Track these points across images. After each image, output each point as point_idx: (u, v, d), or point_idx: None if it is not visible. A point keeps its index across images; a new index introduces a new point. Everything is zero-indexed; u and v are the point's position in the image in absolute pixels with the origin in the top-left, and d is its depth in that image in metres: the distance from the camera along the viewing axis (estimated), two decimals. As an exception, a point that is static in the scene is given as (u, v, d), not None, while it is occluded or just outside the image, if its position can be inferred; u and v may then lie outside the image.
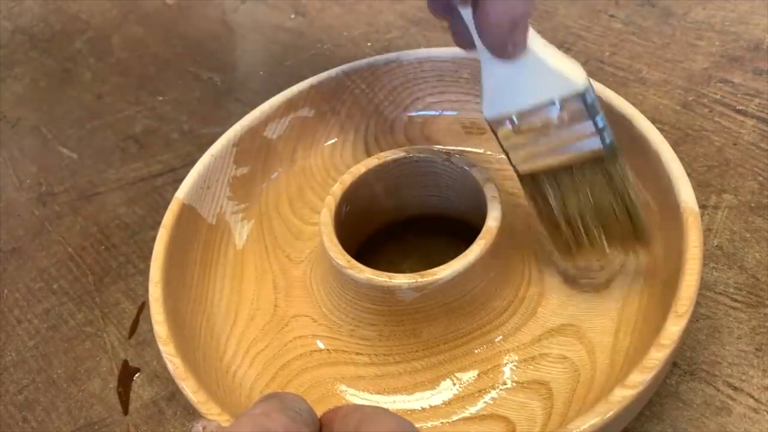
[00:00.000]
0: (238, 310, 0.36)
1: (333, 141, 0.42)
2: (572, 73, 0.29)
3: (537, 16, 0.53)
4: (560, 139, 0.29)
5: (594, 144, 0.29)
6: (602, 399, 0.24)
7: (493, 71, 0.30)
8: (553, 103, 0.29)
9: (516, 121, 0.30)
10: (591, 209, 0.31)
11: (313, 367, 0.33)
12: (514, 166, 0.31)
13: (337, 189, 0.35)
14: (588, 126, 0.29)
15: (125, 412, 0.36)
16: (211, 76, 0.56)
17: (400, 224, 0.39)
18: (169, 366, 0.29)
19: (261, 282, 0.37)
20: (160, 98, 0.55)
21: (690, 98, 0.44)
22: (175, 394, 0.36)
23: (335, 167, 0.41)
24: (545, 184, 0.31)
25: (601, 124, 0.29)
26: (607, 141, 0.29)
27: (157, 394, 0.36)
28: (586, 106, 0.28)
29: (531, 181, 0.31)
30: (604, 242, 0.31)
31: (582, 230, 0.31)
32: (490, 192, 0.32)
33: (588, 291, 0.33)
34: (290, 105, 0.40)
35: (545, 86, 0.29)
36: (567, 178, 0.30)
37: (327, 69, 0.41)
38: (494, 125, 0.31)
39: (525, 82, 0.29)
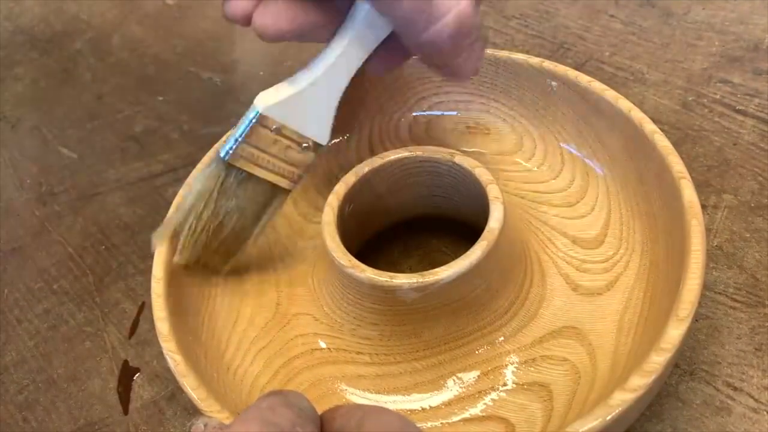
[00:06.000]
0: (240, 308, 0.36)
1: (337, 140, 0.42)
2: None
3: (537, 16, 0.53)
4: (279, 163, 0.31)
5: (286, 184, 0.32)
6: (602, 402, 0.24)
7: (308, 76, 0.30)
8: (307, 145, 0.31)
9: (280, 131, 0.31)
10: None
11: (314, 366, 0.33)
12: (230, 150, 0.31)
13: (340, 188, 0.35)
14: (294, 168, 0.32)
15: (125, 412, 0.36)
16: (211, 76, 0.56)
17: (403, 224, 0.39)
18: (170, 363, 0.29)
19: (263, 280, 0.37)
20: (160, 98, 0.55)
21: (690, 98, 0.44)
22: (175, 394, 0.36)
23: (339, 166, 0.41)
24: (230, 179, 0.31)
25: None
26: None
27: (157, 394, 0.36)
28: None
29: (224, 169, 0.31)
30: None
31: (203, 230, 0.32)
32: (492, 193, 0.32)
33: (590, 293, 0.33)
34: None
35: (312, 124, 0.31)
36: (245, 188, 0.32)
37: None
38: (265, 119, 0.30)
39: (309, 108, 0.31)
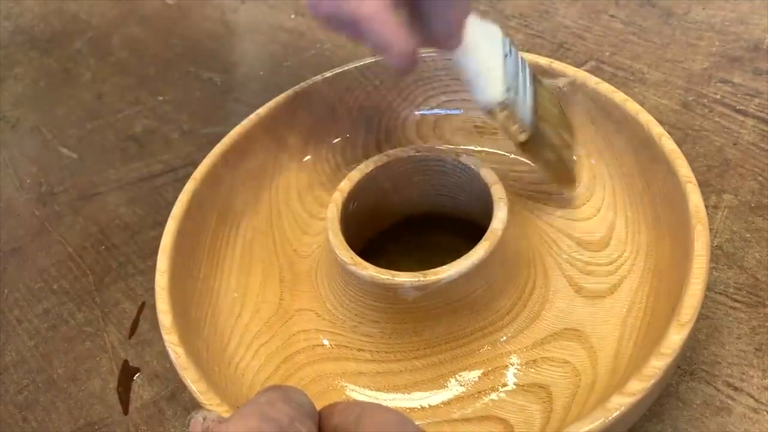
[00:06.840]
0: (244, 302, 0.36)
1: (344, 137, 0.42)
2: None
3: (537, 16, 0.53)
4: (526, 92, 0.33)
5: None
6: (600, 405, 0.24)
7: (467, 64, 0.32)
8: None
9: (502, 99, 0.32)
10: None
11: (316, 362, 0.33)
12: (518, 138, 0.33)
13: (345, 185, 0.35)
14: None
15: (125, 412, 0.36)
16: (211, 76, 0.56)
17: (408, 222, 0.39)
18: (172, 355, 0.29)
19: (267, 275, 0.37)
20: (160, 98, 0.55)
21: (690, 98, 0.44)
22: (175, 394, 0.36)
23: (346, 163, 0.41)
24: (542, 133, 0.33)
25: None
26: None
27: (157, 394, 0.36)
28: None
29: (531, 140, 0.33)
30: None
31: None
32: (497, 193, 0.32)
33: (593, 296, 0.33)
34: (303, 99, 0.40)
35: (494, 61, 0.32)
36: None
37: (327, 69, 0.41)
38: (491, 112, 0.32)
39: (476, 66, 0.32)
